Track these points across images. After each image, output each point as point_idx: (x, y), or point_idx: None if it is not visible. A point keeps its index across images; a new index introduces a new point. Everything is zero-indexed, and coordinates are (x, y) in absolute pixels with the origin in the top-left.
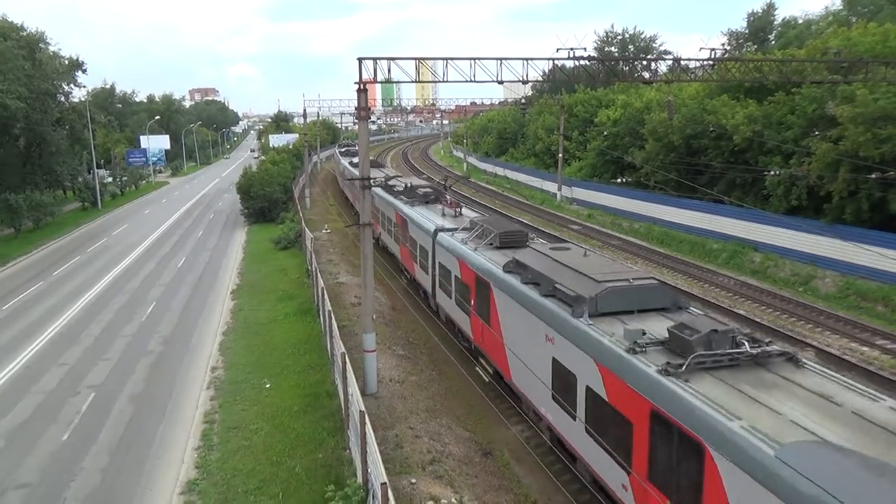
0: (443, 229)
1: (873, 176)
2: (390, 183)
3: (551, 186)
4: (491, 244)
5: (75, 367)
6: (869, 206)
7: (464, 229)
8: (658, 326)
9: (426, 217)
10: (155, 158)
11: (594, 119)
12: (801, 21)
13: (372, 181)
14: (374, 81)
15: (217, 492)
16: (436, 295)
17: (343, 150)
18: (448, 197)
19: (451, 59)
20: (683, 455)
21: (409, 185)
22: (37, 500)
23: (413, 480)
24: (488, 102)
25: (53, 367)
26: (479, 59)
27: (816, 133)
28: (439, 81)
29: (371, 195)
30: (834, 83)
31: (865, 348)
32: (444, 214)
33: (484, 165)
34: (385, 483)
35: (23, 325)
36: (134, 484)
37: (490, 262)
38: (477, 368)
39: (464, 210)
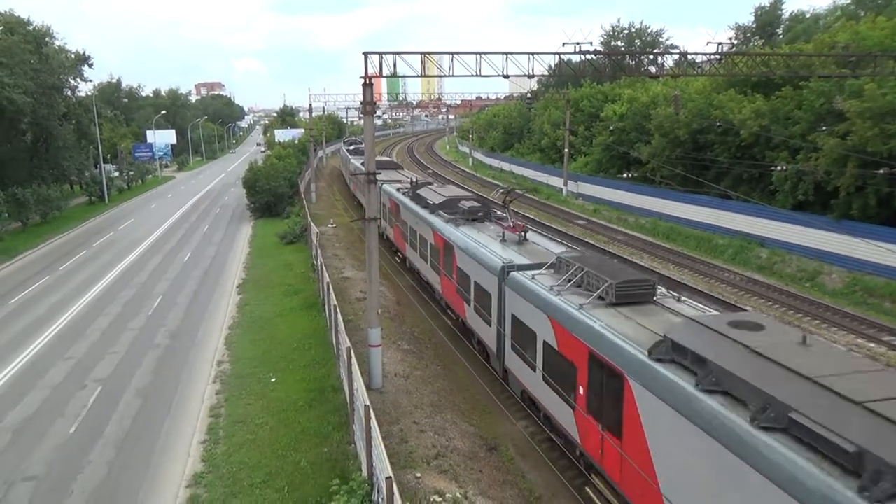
0: (513, 266)
1: (881, 171)
2: (421, 192)
3: (557, 181)
4: (602, 299)
5: (82, 360)
6: (876, 202)
7: (550, 268)
8: None
9: (482, 245)
10: (161, 153)
11: (600, 114)
12: (808, 15)
13: (396, 188)
14: (380, 76)
15: (223, 485)
16: (505, 357)
17: (351, 147)
18: (508, 216)
19: (457, 53)
20: None
21: (447, 196)
22: (44, 492)
23: (418, 475)
24: (494, 97)
25: (60, 360)
26: (485, 53)
27: (824, 128)
28: (445, 76)
29: (379, 192)
30: (842, 77)
31: (872, 344)
32: (504, 240)
33: (489, 160)
34: (390, 477)
35: (30, 318)
36: (140, 477)
37: (614, 334)
38: (588, 490)
39: (531, 234)
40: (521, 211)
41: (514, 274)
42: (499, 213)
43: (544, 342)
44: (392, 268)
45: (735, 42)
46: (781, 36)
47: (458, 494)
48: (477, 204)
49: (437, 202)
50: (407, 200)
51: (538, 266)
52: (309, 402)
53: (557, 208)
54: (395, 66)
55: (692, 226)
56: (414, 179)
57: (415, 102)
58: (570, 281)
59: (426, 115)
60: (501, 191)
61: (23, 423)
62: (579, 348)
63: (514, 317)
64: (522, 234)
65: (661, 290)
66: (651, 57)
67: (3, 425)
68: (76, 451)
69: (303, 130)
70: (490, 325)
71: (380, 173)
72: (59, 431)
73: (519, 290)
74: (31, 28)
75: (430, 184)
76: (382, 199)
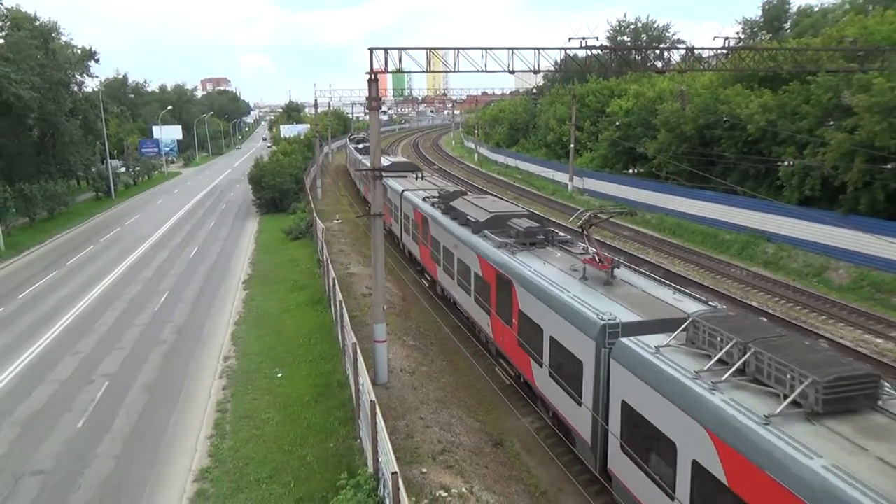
0: (617, 326)
1: (889, 166)
2: (456, 205)
3: (562, 177)
4: (798, 405)
5: (90, 355)
6: (884, 197)
7: (682, 335)
8: None
9: (558, 285)
10: (167, 149)
11: (606, 109)
12: (816, 9)
13: (422, 198)
14: (386, 71)
15: (229, 480)
16: (608, 456)
17: (360, 146)
18: (588, 245)
19: (463, 48)
20: None
21: (492, 211)
22: (52, 486)
23: (424, 470)
24: (499, 92)
25: (68, 355)
26: (491, 48)
27: (831, 123)
28: (450, 71)
29: (400, 200)
30: (850, 72)
31: (879, 340)
32: (585, 278)
33: (495, 156)
34: (396, 472)
35: (38, 313)
36: (147, 471)
37: (865, 490)
38: None
39: (621, 270)
40: (527, 207)
41: (626, 342)
42: (561, 234)
43: (695, 463)
44: (398, 264)
45: (742, 37)
46: (789, 30)
47: (463, 490)
48: (535, 224)
49: (480, 219)
50: (438, 214)
51: (657, 326)
52: (315, 397)
53: (563, 204)
54: (400, 61)
55: (698, 221)
56: (446, 189)
57: (420, 98)
58: (724, 363)
59: (431, 111)
60: (587, 215)
61: (31, 417)
62: (780, 496)
63: (627, 406)
64: (610, 269)
65: (886, 386)
66: (657, 52)
67: (11, 419)
68: (84, 446)
69: (308, 126)
70: (579, 405)
71: (425, 194)
72: (67, 426)
73: (637, 370)
74: (37, 23)
75: (465, 194)
76: (404, 208)
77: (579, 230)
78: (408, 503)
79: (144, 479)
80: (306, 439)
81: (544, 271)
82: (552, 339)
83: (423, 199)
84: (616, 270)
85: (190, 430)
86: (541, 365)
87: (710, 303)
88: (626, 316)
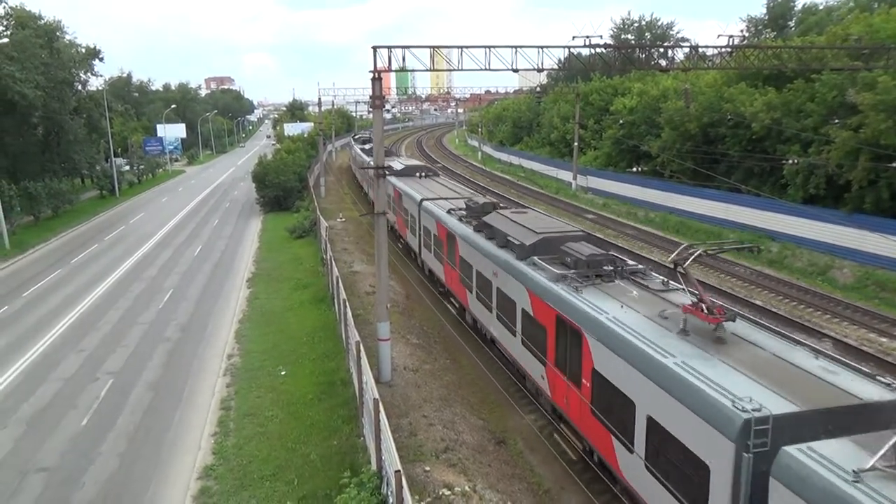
0: (766, 422)
1: (894, 164)
2: (491, 222)
3: (566, 175)
4: None
5: (94, 353)
6: (890, 195)
7: (890, 452)
8: None
9: (654, 346)
10: (171, 147)
11: (610, 107)
12: (821, 7)
13: (447, 210)
14: (389, 70)
15: (233, 477)
16: None
17: (366, 146)
18: (685, 284)
19: (466, 47)
20: None
21: (541, 232)
22: (56, 483)
23: (427, 468)
24: (503, 91)
25: (72, 353)
26: (494, 47)
27: (836, 121)
28: (454, 70)
29: (419, 210)
30: (855, 70)
31: (884, 339)
32: (685, 331)
33: (499, 154)
34: (399, 470)
35: (43, 311)
36: (152, 469)
37: None
38: None
39: (737, 325)
40: (530, 205)
41: (797, 457)
42: (630, 262)
43: None
44: (401, 262)
45: (746, 35)
46: (794, 28)
47: (466, 488)
48: (597, 250)
49: (527, 242)
50: (468, 232)
51: (818, 421)
52: (318, 395)
53: (567, 203)
54: (403, 60)
55: (702, 220)
56: (468, 197)
57: (424, 96)
58: None
59: (435, 109)
60: (693, 252)
61: (36, 414)
62: None
63: None
64: (718, 323)
65: None
66: (661, 50)
67: (16, 416)
68: (88, 443)
69: (312, 124)
70: None
71: (449, 206)
72: (72, 423)
73: None
74: (41, 22)
75: (497, 206)
76: (423, 221)
77: (672, 266)
78: (411, 501)
79: (149, 476)
80: (310, 437)
81: (626, 320)
82: (651, 421)
83: (448, 212)
84: (731, 324)
85: (194, 428)
86: (631, 450)
87: (880, 377)
88: (773, 404)
